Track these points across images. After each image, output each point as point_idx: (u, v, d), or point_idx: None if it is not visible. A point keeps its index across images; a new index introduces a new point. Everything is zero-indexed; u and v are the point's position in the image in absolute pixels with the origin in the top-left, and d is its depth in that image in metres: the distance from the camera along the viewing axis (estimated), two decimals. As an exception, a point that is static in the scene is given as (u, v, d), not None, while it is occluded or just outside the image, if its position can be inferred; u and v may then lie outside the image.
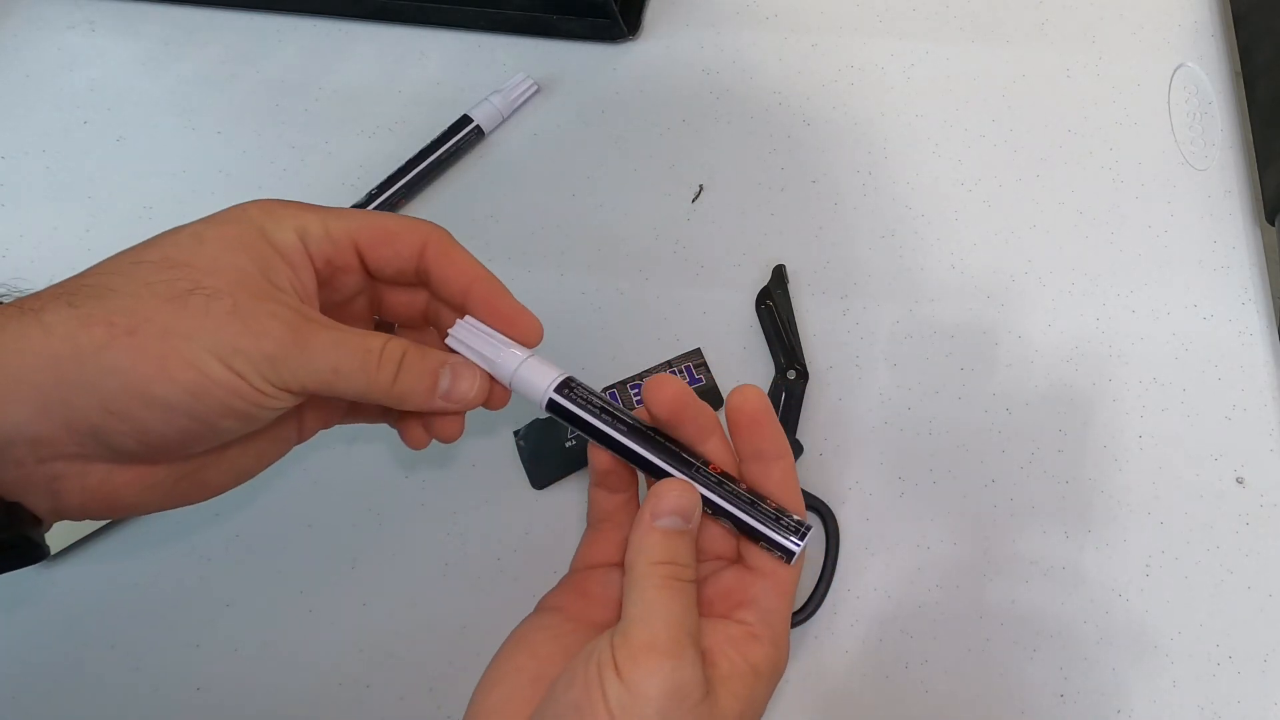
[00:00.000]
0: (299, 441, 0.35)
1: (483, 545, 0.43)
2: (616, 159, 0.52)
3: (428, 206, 0.51)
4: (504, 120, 0.53)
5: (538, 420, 0.44)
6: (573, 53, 0.55)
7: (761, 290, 0.47)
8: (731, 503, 0.32)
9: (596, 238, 0.50)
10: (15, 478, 0.28)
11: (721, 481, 0.32)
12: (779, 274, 0.48)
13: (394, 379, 0.31)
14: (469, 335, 0.33)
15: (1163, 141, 0.51)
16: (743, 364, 0.47)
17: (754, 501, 0.32)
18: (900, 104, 0.52)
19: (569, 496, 0.44)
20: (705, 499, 0.32)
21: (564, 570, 0.35)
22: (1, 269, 0.50)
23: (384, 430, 0.37)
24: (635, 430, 0.32)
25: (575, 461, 0.44)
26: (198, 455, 0.30)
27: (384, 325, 0.37)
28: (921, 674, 0.41)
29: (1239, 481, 0.43)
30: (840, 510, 0.43)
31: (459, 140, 0.51)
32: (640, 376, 0.46)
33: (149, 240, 0.29)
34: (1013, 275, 0.48)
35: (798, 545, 0.31)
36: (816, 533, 0.42)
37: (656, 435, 0.32)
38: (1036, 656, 0.41)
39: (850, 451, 0.45)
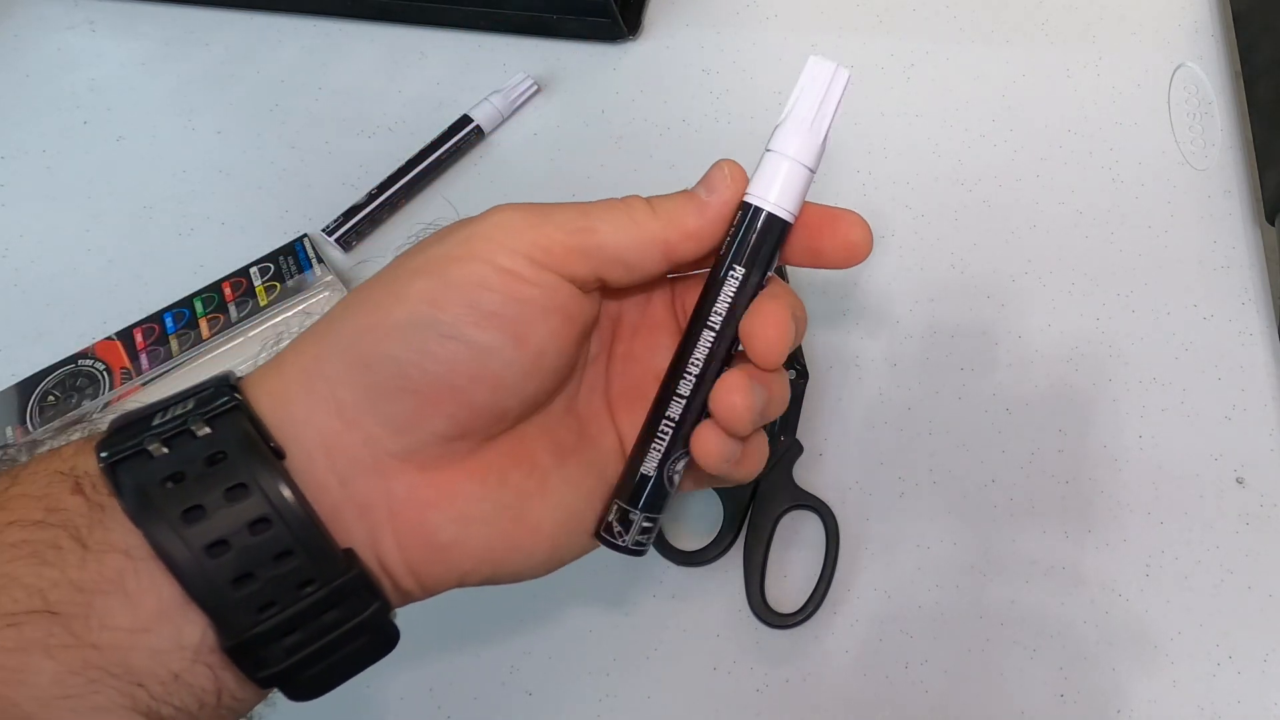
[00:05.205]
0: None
1: (483, 545, 0.43)
2: (616, 159, 0.52)
3: (428, 206, 0.51)
4: (504, 120, 0.53)
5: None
6: (573, 53, 0.55)
7: (761, 290, 0.47)
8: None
9: (596, 238, 0.50)
10: (328, 508, 0.24)
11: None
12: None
13: (650, 207, 0.27)
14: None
15: (1163, 141, 0.51)
16: (743, 364, 0.46)
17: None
18: (900, 104, 0.52)
19: (569, 496, 0.44)
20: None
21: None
22: (1, 269, 0.50)
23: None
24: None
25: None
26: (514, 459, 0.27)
27: None
28: (921, 674, 0.41)
29: (1239, 481, 0.43)
30: (840, 510, 0.43)
31: (459, 140, 0.51)
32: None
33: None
34: (1013, 275, 0.48)
35: None
36: (815, 522, 0.42)
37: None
38: (1036, 656, 0.41)
39: (850, 451, 0.45)
